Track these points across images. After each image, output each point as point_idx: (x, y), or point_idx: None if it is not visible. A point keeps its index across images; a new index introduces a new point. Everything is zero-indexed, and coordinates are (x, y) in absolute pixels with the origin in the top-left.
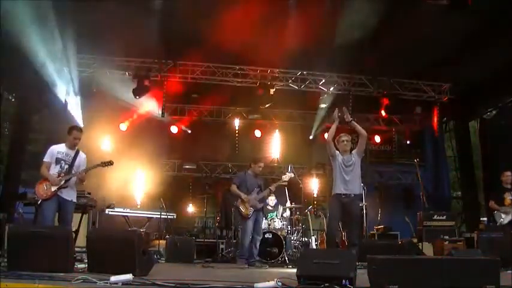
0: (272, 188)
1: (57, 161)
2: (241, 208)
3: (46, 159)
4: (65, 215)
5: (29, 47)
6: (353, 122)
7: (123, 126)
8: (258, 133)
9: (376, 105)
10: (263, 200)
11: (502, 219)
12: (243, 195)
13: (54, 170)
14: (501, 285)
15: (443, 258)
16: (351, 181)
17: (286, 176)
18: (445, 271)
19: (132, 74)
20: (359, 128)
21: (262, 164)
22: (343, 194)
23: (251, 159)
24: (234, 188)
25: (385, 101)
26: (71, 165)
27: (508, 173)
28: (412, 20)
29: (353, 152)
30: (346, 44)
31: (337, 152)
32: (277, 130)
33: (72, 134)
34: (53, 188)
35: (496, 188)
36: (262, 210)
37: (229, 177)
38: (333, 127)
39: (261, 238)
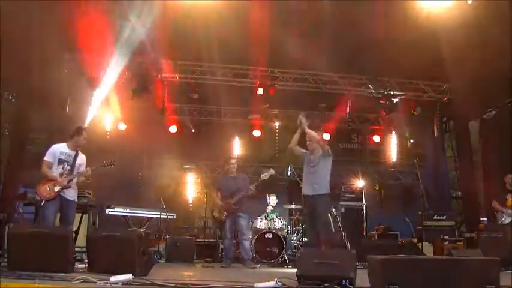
0: (252, 187)
1: (60, 161)
2: (214, 213)
3: (47, 158)
4: (68, 215)
5: None
6: (302, 126)
7: (122, 126)
8: (257, 133)
9: (376, 105)
10: (239, 202)
11: (503, 219)
12: (216, 200)
13: (57, 170)
14: (501, 285)
15: (443, 258)
16: (315, 181)
17: (266, 175)
18: (445, 271)
19: (132, 74)
20: (309, 132)
21: (233, 161)
22: (307, 195)
23: (223, 160)
24: (212, 192)
25: (385, 101)
26: (73, 166)
27: (511, 176)
28: (412, 20)
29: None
30: (346, 44)
31: (306, 152)
32: (277, 130)
33: (82, 134)
34: (56, 189)
35: (499, 189)
36: (242, 211)
37: None
38: (296, 135)
39: (247, 237)
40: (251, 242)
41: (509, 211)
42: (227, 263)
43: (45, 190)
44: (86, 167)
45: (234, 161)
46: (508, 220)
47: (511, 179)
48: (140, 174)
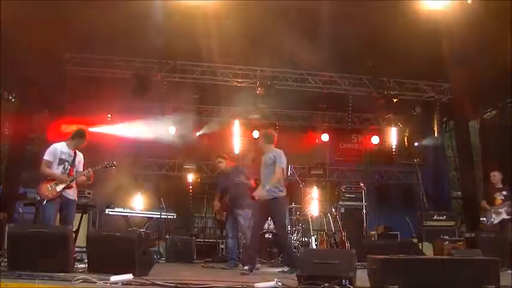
0: (239, 179)
1: (61, 161)
2: (217, 215)
3: (48, 157)
4: (68, 214)
5: None
6: None
7: (121, 126)
8: (255, 134)
9: (376, 105)
10: (234, 198)
11: (492, 219)
12: (215, 202)
13: (57, 170)
14: (501, 285)
15: (443, 258)
16: None
17: None
18: (445, 271)
19: (132, 74)
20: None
21: (219, 160)
22: None
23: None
24: (216, 193)
25: (385, 101)
26: (73, 166)
27: (495, 173)
28: (412, 20)
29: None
30: (346, 44)
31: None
32: (277, 129)
33: (83, 136)
34: (58, 188)
35: (488, 187)
36: (238, 207)
37: None
38: None
39: (246, 236)
40: None
41: (498, 210)
42: (230, 264)
43: (47, 189)
44: (88, 168)
45: (220, 159)
46: (497, 220)
47: (497, 177)
48: (140, 174)
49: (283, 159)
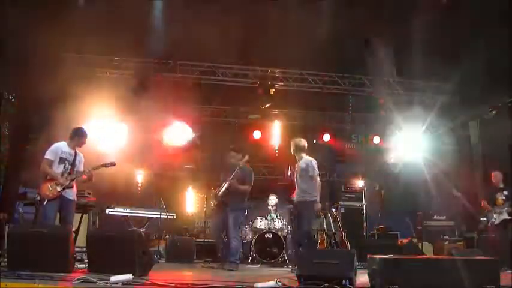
0: (229, 179)
1: (61, 160)
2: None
3: (49, 156)
4: (68, 214)
5: None
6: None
7: (121, 126)
8: (256, 134)
9: (375, 105)
10: (227, 195)
11: (493, 219)
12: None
13: (58, 169)
14: (501, 285)
15: (443, 258)
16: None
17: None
18: (445, 271)
19: (132, 74)
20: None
21: (233, 154)
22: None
23: None
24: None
25: (384, 101)
26: (73, 165)
27: (496, 173)
28: (412, 19)
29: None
30: (345, 44)
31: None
32: (277, 130)
33: (84, 135)
34: (59, 188)
35: (489, 188)
36: (229, 206)
37: None
38: None
39: (232, 236)
40: (251, 242)
41: (500, 210)
42: (230, 266)
43: (48, 189)
44: (87, 167)
45: (232, 153)
46: (498, 220)
47: (498, 177)
48: (140, 174)
49: (316, 167)
